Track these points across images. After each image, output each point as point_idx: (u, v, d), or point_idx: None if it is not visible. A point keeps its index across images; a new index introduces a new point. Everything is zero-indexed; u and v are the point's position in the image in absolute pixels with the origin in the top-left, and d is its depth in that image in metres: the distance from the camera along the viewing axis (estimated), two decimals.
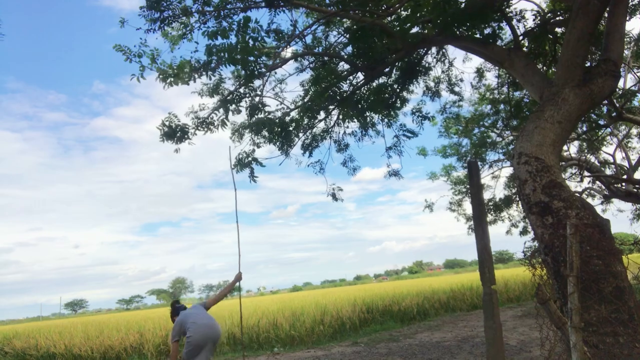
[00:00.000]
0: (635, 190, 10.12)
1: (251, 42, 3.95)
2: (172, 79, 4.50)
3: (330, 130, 7.22)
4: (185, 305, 4.38)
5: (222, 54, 3.97)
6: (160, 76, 4.50)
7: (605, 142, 10.27)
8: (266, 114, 5.74)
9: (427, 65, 6.67)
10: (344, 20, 6.18)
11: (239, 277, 4.42)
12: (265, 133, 5.99)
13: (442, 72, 7.35)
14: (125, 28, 4.86)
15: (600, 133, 9.52)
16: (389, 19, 5.40)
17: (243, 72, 4.46)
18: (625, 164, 10.70)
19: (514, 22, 5.88)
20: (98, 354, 8.17)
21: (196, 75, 4.77)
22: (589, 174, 10.40)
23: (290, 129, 6.21)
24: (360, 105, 5.80)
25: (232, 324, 9.03)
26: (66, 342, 8.70)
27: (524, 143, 3.34)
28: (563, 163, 9.69)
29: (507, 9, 5.69)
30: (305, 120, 6.46)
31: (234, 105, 5.59)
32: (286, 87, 6.80)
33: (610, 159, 10.95)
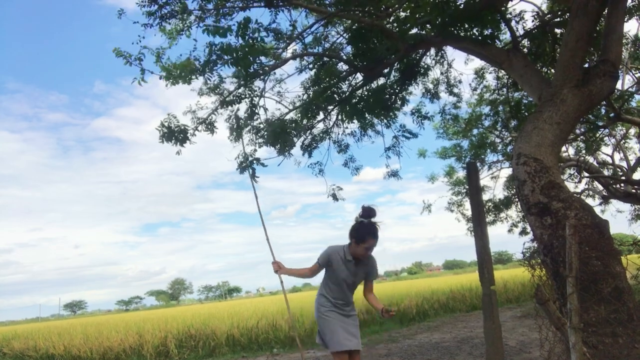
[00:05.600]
0: (633, 191, 10.14)
1: (251, 42, 3.96)
2: (173, 79, 4.50)
3: (329, 130, 7.22)
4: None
5: (222, 54, 3.97)
6: (164, 74, 4.50)
7: (603, 143, 10.29)
8: (267, 117, 5.75)
9: (425, 66, 6.69)
10: (344, 20, 6.19)
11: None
12: (264, 135, 5.99)
13: (441, 73, 7.36)
14: (127, 27, 4.89)
15: (598, 134, 9.54)
16: (388, 19, 5.41)
17: (243, 72, 4.47)
18: (624, 164, 10.73)
19: (513, 23, 5.89)
20: (97, 355, 8.14)
21: (196, 77, 4.77)
22: (587, 174, 10.42)
23: (290, 130, 6.21)
24: (359, 106, 5.81)
25: (231, 325, 9.01)
26: (65, 343, 8.67)
27: (523, 144, 3.34)
28: (562, 164, 9.70)
29: (506, 10, 5.71)
30: (305, 121, 6.47)
31: (237, 107, 5.60)
32: (286, 88, 6.80)
33: (609, 159, 10.98)
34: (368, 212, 3.01)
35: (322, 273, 3.18)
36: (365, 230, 2.95)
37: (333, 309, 3.04)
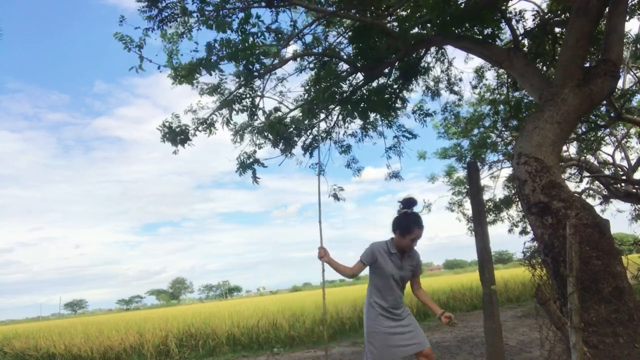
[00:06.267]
0: (634, 190, 10.13)
1: (251, 39, 3.97)
2: (180, 79, 4.53)
3: (330, 131, 7.21)
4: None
5: (223, 50, 3.97)
6: (172, 74, 4.53)
7: (603, 143, 10.29)
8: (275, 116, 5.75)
9: (426, 65, 6.68)
10: (344, 20, 6.19)
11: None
12: (270, 136, 5.99)
13: (442, 71, 7.35)
14: (128, 27, 4.87)
15: (599, 133, 9.54)
16: (388, 19, 5.41)
17: (243, 69, 4.47)
18: (625, 164, 10.71)
19: (513, 22, 5.89)
20: (98, 355, 8.16)
21: (198, 75, 4.78)
22: (588, 174, 10.41)
23: (291, 129, 6.21)
24: (360, 106, 5.80)
25: (231, 325, 9.02)
26: (66, 342, 8.68)
27: (524, 143, 3.34)
28: (562, 163, 9.70)
29: (506, 9, 5.70)
30: (306, 121, 6.46)
31: (238, 106, 5.59)
32: (288, 88, 6.80)
33: (610, 159, 10.97)
34: (410, 203, 2.98)
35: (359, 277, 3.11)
36: (410, 220, 2.91)
37: (382, 318, 2.94)
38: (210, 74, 4.68)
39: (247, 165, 5.83)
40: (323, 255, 3.07)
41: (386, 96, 6.08)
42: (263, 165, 5.92)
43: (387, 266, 2.95)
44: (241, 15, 4.34)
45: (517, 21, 6.09)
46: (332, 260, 3.04)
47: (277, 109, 5.93)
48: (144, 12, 4.68)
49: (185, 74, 4.53)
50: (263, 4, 4.93)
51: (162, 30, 4.82)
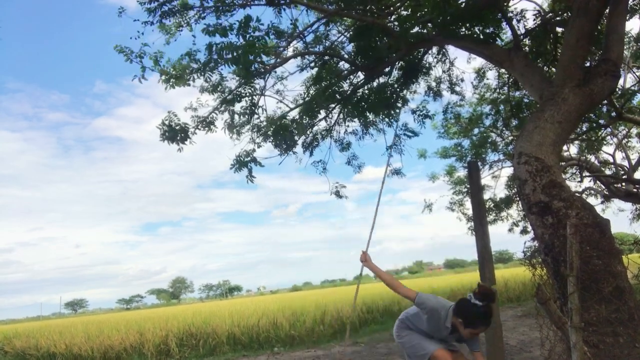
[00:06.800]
0: (635, 190, 10.12)
1: (252, 41, 3.97)
2: (173, 81, 4.53)
3: (331, 129, 7.21)
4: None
5: (223, 53, 3.98)
6: (163, 77, 4.53)
7: (605, 142, 10.27)
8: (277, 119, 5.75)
9: (427, 65, 6.67)
10: (345, 19, 6.19)
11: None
12: (266, 133, 5.98)
13: (443, 72, 7.34)
14: (128, 27, 4.90)
15: (600, 133, 9.52)
16: (389, 18, 5.41)
17: (242, 69, 4.48)
18: (625, 164, 10.71)
19: (514, 22, 5.88)
20: (98, 354, 8.17)
21: (196, 76, 4.78)
22: (589, 174, 10.39)
23: (292, 129, 6.21)
24: (361, 105, 5.80)
25: (232, 324, 9.03)
26: (66, 341, 8.69)
27: (524, 143, 3.34)
28: (563, 163, 9.68)
29: (507, 9, 5.69)
30: (306, 120, 6.46)
31: (239, 107, 5.59)
32: (287, 86, 6.79)
33: (610, 159, 10.96)
34: (487, 296, 2.59)
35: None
36: (479, 316, 2.59)
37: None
38: (207, 80, 4.69)
39: (243, 163, 5.82)
40: (364, 260, 3.19)
41: (386, 95, 6.08)
42: (260, 164, 5.92)
43: (430, 329, 2.87)
44: (241, 11, 4.35)
45: (518, 21, 6.08)
46: (373, 266, 3.14)
47: (283, 117, 5.94)
48: (143, 4, 4.67)
49: (178, 76, 4.54)
50: (263, 1, 4.93)
51: (162, 23, 4.83)
